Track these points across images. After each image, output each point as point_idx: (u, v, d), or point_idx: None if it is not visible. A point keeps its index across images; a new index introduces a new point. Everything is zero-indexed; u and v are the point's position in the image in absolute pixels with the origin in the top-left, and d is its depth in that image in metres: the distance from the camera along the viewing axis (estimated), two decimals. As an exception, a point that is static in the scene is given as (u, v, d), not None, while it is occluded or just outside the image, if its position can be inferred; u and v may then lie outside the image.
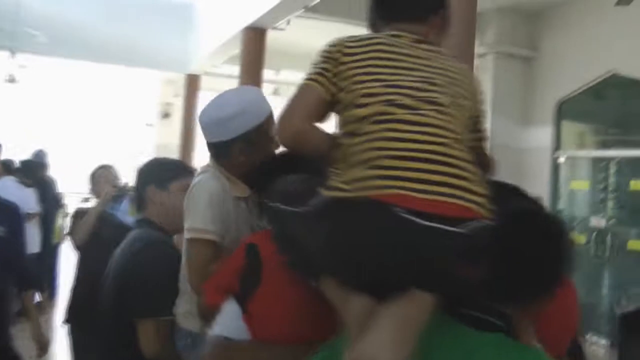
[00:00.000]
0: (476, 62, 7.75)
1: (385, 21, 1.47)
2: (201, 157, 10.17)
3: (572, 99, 7.02)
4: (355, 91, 1.29)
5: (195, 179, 1.85)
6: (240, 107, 1.80)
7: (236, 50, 7.37)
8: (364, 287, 1.18)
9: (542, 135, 7.42)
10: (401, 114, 1.22)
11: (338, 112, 1.35)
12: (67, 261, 5.11)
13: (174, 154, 10.45)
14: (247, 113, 1.79)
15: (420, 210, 1.10)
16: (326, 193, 1.19)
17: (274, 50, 7.21)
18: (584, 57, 6.58)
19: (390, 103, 1.24)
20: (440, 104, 1.26)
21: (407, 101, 1.24)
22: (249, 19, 6.59)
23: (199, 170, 1.91)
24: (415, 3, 1.48)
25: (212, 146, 1.85)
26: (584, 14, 6.62)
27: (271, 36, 7.03)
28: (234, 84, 8.07)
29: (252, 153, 1.79)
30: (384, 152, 1.18)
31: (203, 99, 10.26)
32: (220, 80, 10.41)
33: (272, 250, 1.40)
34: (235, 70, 8.10)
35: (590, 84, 6.63)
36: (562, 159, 7.26)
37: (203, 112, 1.85)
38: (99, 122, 15.09)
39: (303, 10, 6.03)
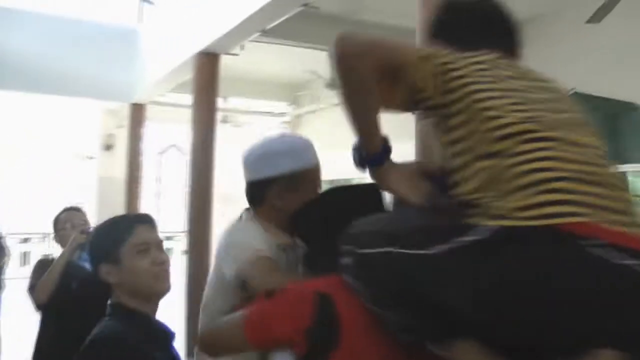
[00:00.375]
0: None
1: (472, 45, 1.34)
2: (148, 191, 9.84)
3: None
4: (478, 103, 1.15)
5: (229, 227, 1.74)
6: (288, 145, 1.73)
7: (186, 77, 7.14)
8: (537, 347, 0.99)
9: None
10: (551, 131, 1.09)
11: (440, 123, 1.22)
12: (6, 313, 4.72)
13: (118, 187, 10.06)
14: (293, 153, 1.71)
15: (612, 242, 0.94)
16: (489, 223, 1.00)
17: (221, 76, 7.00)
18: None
19: (534, 120, 1.11)
20: (579, 124, 1.16)
21: (551, 119, 1.12)
22: (202, 44, 6.39)
23: (230, 224, 1.80)
24: (510, 37, 1.46)
25: (249, 187, 1.77)
26: (543, 33, 6.70)
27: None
28: (182, 113, 7.82)
29: (290, 199, 1.67)
30: (551, 173, 1.02)
31: (149, 130, 9.93)
32: (168, 109, 10.14)
33: (352, 304, 1.20)
34: (183, 98, 7.87)
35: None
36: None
37: (248, 150, 1.80)
38: (36, 156, 14.50)
39: (259, 34, 5.86)
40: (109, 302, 1.80)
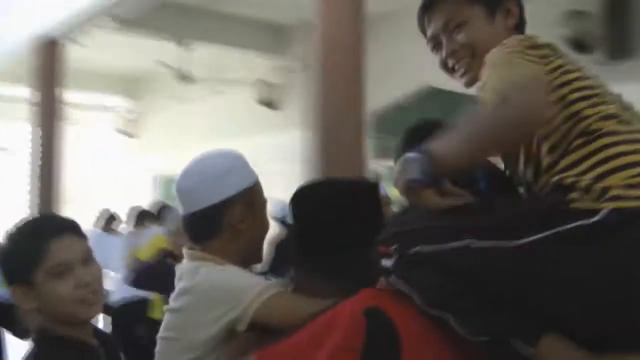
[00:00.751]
0: (287, 77, 7.78)
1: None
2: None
3: (387, 111, 7.26)
4: (582, 90, 1.15)
5: (189, 275, 1.44)
6: (237, 160, 1.55)
7: (22, 66, 6.50)
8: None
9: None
10: (627, 115, 1.14)
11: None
12: None
13: None
14: (243, 167, 1.54)
15: None
16: (596, 206, 0.97)
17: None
18: (398, 70, 6.86)
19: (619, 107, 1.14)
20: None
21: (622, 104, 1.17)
22: (39, 29, 5.82)
23: (179, 273, 1.49)
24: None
25: (201, 216, 1.49)
26: (397, 29, 6.89)
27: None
28: (20, 108, 7.14)
29: (252, 220, 1.50)
30: None
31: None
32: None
33: (404, 313, 1.08)
34: (16, 91, 7.19)
35: (406, 97, 6.92)
36: (380, 171, 7.48)
37: (185, 175, 1.53)
38: None
39: (108, 22, 5.48)
40: (32, 327, 1.50)
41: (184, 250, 1.52)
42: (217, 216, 1.47)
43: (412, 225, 1.14)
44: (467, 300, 1.05)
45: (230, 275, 1.42)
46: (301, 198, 1.41)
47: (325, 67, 3.69)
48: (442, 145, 1.10)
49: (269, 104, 7.77)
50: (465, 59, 1.37)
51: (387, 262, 1.13)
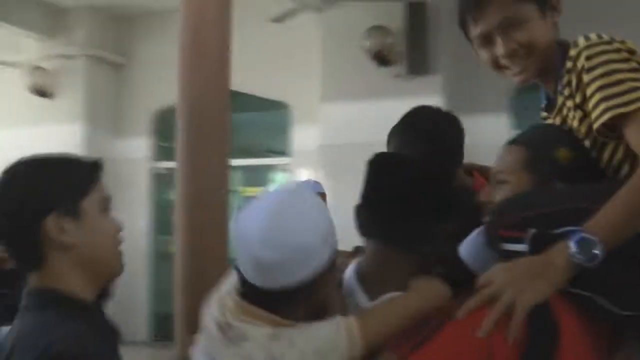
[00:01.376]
0: (64, 63, 7.27)
1: None
2: None
3: (170, 109, 7.17)
4: None
5: (266, 354, 1.20)
6: (324, 213, 1.27)
7: None
8: None
9: (137, 146, 7.48)
10: None
11: None
12: None
13: None
14: (329, 219, 1.28)
15: None
16: None
17: None
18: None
19: None
20: None
21: None
22: None
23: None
24: None
25: (281, 293, 1.22)
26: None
27: None
28: None
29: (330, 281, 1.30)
30: None
31: None
32: None
33: (570, 312, 1.08)
34: None
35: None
36: (160, 170, 7.37)
37: (267, 245, 1.19)
38: None
39: None
40: (27, 289, 1.26)
41: (241, 306, 1.26)
42: (305, 290, 1.23)
43: (550, 207, 1.18)
44: (620, 277, 1.11)
45: (307, 336, 1.22)
46: (379, 171, 1.31)
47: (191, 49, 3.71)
48: (604, 225, 1.11)
49: (43, 92, 7.21)
50: (521, 58, 1.38)
51: (513, 246, 1.15)
